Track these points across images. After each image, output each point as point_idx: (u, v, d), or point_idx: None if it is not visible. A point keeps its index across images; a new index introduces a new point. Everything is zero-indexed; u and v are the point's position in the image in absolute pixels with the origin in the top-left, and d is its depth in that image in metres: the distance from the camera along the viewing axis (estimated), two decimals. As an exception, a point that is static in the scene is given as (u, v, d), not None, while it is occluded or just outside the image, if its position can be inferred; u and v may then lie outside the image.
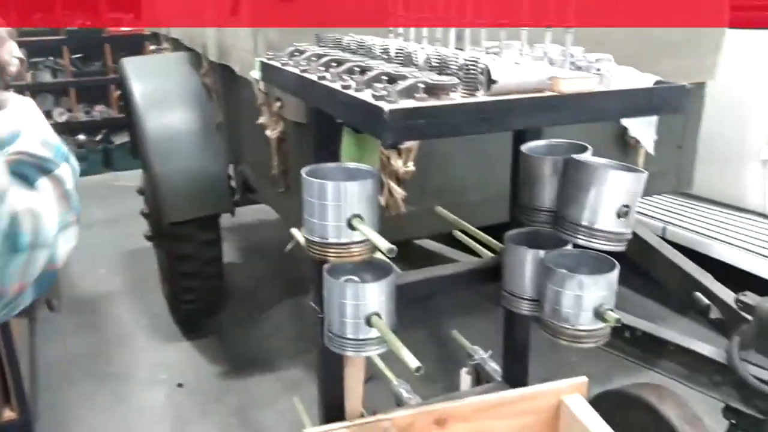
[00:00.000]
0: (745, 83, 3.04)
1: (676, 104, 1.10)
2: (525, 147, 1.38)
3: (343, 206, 1.15)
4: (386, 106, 0.92)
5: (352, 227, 1.17)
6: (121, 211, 4.80)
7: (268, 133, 2.01)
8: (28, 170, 0.72)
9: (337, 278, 1.26)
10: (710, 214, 3.35)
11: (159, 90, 2.99)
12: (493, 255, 1.55)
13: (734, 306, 1.65)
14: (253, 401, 2.75)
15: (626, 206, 1.22)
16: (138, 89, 2.98)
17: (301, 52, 1.42)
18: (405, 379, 1.77)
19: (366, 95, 1.01)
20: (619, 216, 1.23)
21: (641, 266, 2.26)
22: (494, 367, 1.76)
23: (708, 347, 1.60)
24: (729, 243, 2.99)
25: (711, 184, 3.15)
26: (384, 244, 1.09)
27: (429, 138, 0.93)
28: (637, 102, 1.07)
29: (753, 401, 1.47)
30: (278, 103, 1.92)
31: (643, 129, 1.56)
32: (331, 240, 1.19)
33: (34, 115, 0.81)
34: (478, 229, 1.66)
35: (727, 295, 1.84)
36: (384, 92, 0.97)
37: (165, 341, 3.23)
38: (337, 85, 1.10)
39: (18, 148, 0.73)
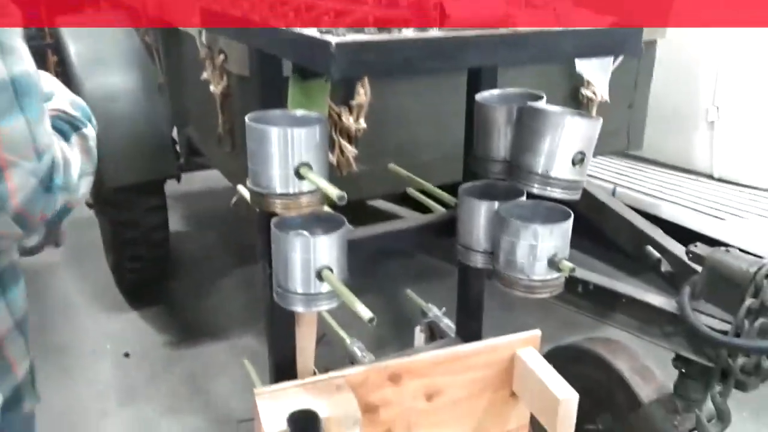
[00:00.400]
0: (694, 44, 3.07)
1: (633, 46, 1.08)
2: (479, 96, 1.35)
3: (289, 154, 1.10)
4: (333, 40, 0.86)
5: (300, 176, 1.11)
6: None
7: (212, 88, 1.92)
8: (64, 126, 0.90)
9: (285, 232, 1.21)
10: (658, 175, 3.40)
11: (97, 50, 2.84)
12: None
13: (685, 258, 1.67)
14: (204, 369, 2.69)
15: (581, 153, 1.20)
16: (74, 49, 2.83)
17: (244, -4, 1.34)
18: (359, 338, 1.74)
19: (312, 31, 0.95)
20: (574, 163, 1.21)
21: (592, 222, 2.28)
22: (448, 324, 1.75)
23: (660, 298, 1.62)
24: (677, 203, 3.04)
25: (659, 146, 3.19)
26: (334, 191, 1.04)
27: (379, 75, 0.88)
28: (595, 41, 1.04)
29: (703, 349, 1.49)
30: (221, 57, 1.84)
31: (598, 73, 1.54)
32: (278, 190, 1.13)
33: (56, 80, 1.00)
34: (433, 188, 1.62)
35: (678, 247, 1.86)
36: (331, 26, 0.91)
37: (110, 311, 3.13)
38: (280, 24, 1.04)
39: (54, 106, 0.92)
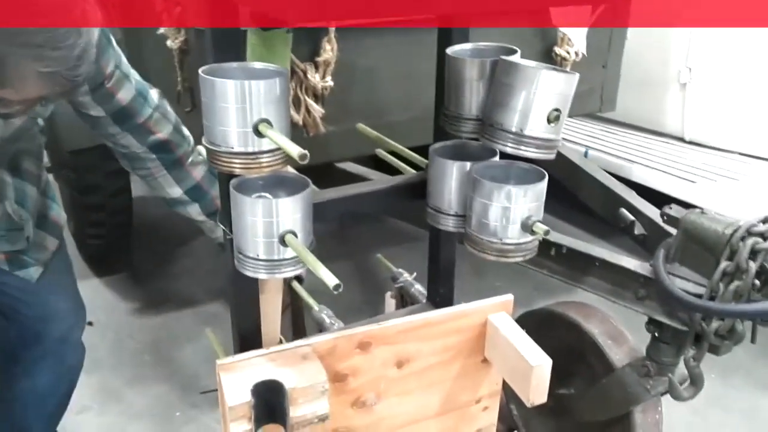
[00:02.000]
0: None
1: (612, -6, 1.01)
2: (450, 50, 1.28)
3: (248, 109, 1.02)
4: (290, -20, 0.79)
5: (259, 134, 1.04)
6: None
7: (169, 43, 1.82)
8: None
9: (245, 194, 1.14)
10: (630, 138, 3.38)
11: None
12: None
13: (659, 221, 1.63)
14: (169, 337, 2.63)
15: (557, 110, 1.15)
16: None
17: (199, -60, 1.24)
18: (327, 305, 1.69)
19: (268, -28, 0.87)
20: (549, 121, 1.16)
21: (565, 185, 2.24)
22: (419, 289, 1.70)
23: (633, 262, 1.59)
24: (648, 166, 3.02)
25: (630, 109, 3.16)
26: (295, 149, 0.97)
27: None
28: (573, -11, 0.97)
29: (676, 313, 1.47)
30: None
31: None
32: (237, 149, 1.06)
33: None
34: (403, 150, 1.56)
35: (651, 210, 1.83)
36: (289, -33, 0.83)
37: (72, 280, 3.03)
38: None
39: None
